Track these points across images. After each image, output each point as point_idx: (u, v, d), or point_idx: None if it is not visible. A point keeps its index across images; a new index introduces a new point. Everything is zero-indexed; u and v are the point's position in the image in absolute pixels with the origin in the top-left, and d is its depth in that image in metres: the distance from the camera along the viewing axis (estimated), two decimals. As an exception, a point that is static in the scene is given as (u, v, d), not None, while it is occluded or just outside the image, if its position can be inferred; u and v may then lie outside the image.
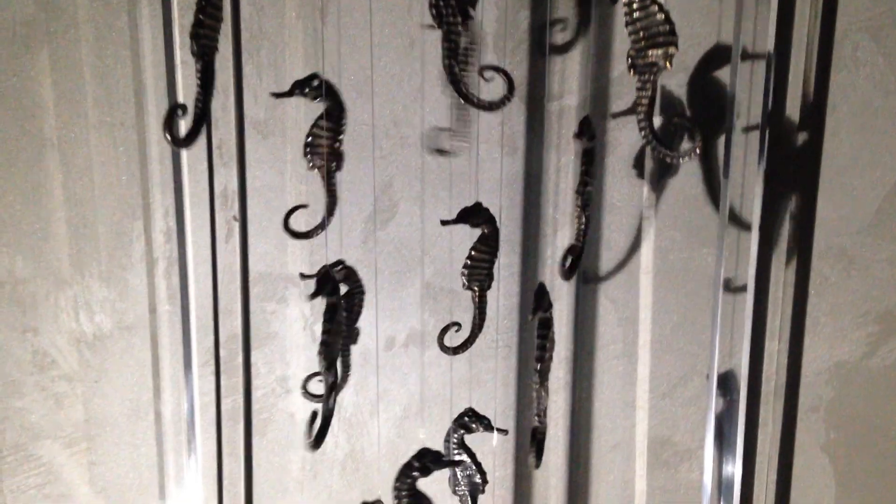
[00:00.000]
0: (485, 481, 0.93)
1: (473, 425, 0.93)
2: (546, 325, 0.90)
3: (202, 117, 0.76)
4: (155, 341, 1.16)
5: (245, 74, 1.09)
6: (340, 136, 0.88)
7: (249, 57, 1.08)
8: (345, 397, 1.17)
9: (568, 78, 1.06)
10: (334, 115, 0.88)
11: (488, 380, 1.14)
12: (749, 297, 1.06)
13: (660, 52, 0.79)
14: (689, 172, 1.08)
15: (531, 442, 0.94)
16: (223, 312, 1.15)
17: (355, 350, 1.15)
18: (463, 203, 0.90)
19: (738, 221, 1.06)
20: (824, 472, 1.12)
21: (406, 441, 1.18)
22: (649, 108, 0.81)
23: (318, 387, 0.94)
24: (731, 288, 1.07)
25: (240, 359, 1.17)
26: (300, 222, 1.03)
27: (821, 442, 1.12)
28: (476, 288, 0.89)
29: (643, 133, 0.82)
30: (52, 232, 1.12)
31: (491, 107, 0.83)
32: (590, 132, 0.88)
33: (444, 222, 0.84)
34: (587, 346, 1.13)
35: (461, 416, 0.93)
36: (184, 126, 0.82)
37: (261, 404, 1.18)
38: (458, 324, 0.91)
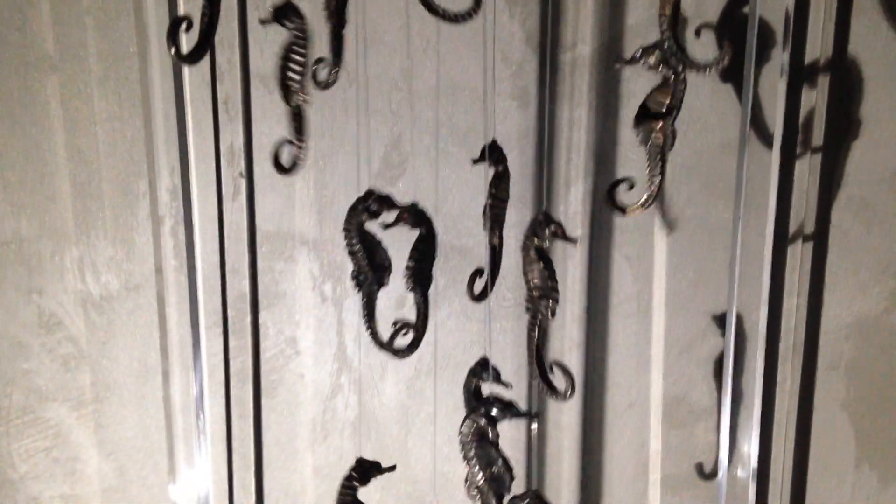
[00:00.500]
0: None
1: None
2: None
3: (209, 32, 0.72)
4: (162, 301, 1.14)
5: (251, 27, 1.07)
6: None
7: (255, 8, 1.05)
8: (354, 358, 1.15)
9: (581, 26, 1.03)
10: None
11: (500, 339, 1.13)
12: (767, 251, 1.03)
13: None
14: (704, 124, 1.05)
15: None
16: (230, 272, 1.13)
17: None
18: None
19: (755, 174, 1.03)
20: (844, 430, 1.10)
21: (417, 402, 1.16)
22: (674, 14, 0.77)
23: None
24: (749, 242, 1.05)
25: (248, 319, 1.15)
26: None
27: (840, 400, 1.10)
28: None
29: (666, 43, 0.79)
30: (57, 190, 1.10)
31: (457, 18, 0.78)
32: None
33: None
34: (601, 305, 1.11)
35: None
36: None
37: (270, 365, 1.16)
38: (481, 270, 0.89)
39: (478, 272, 0.90)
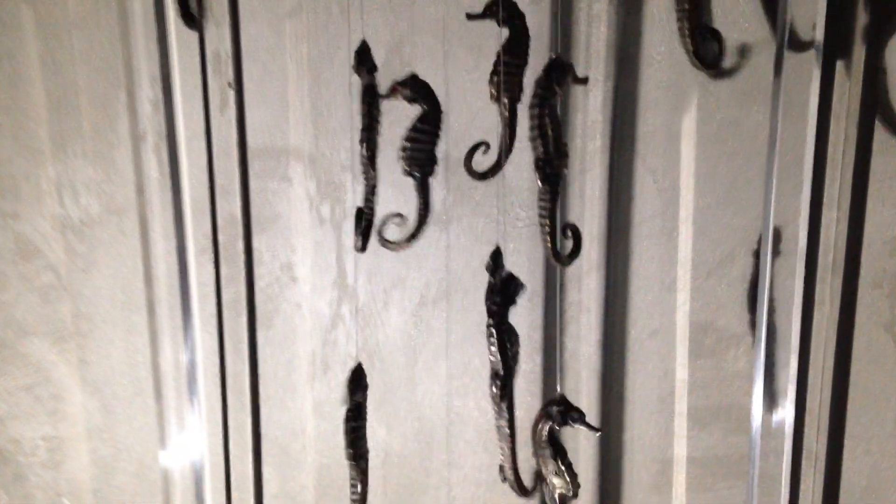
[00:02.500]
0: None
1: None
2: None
3: None
4: (145, 226, 1.05)
5: (236, -81, 0.97)
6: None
7: None
8: (357, 285, 1.07)
9: None
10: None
11: (513, 261, 1.04)
12: (808, 158, 0.94)
13: None
14: (735, 18, 0.95)
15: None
16: (220, 193, 1.05)
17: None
18: (487, 64, 0.78)
19: (792, 75, 0.94)
20: (887, 353, 1.02)
21: (424, 332, 1.08)
22: None
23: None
24: (785, 151, 0.96)
25: (240, 245, 1.06)
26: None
27: (884, 320, 1.01)
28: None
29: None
30: (31, 104, 1.01)
31: None
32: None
33: (469, 16, 0.74)
34: (622, 223, 1.02)
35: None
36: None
37: (264, 294, 1.08)
38: (486, 143, 0.80)
39: (480, 144, 0.80)
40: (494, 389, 0.80)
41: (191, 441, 1.09)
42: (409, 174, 0.79)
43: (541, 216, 0.79)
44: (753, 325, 1.02)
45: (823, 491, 1.07)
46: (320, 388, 1.10)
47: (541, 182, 0.77)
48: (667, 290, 1.04)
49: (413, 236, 0.81)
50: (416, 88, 0.77)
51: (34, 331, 1.08)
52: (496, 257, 0.77)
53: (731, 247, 1.02)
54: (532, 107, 0.75)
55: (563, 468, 0.79)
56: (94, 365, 1.09)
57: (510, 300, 0.79)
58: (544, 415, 0.80)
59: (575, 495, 0.79)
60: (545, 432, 0.80)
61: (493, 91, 0.75)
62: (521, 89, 0.76)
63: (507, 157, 0.79)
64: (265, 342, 1.09)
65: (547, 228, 0.79)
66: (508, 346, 0.79)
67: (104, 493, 1.13)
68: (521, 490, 0.85)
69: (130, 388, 1.10)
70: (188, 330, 1.06)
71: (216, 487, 1.11)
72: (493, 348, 0.78)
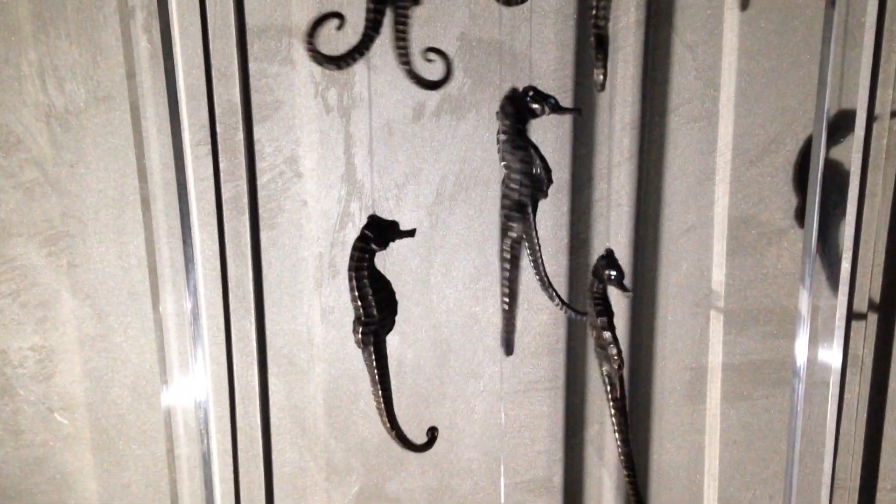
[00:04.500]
0: (550, 181, 0.73)
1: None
2: None
3: None
4: (137, 114, 0.97)
5: None
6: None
7: None
8: (366, 181, 0.99)
9: None
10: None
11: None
12: (870, 22, 0.85)
13: None
14: None
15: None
16: (217, 77, 0.96)
17: (376, 124, 0.96)
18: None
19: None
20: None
21: (440, 231, 1.00)
22: None
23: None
24: (841, 21, 0.87)
25: (240, 135, 0.98)
26: None
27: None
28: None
29: None
30: (6, -23, 0.92)
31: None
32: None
33: None
34: (657, 107, 0.94)
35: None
36: None
37: (267, 191, 1.00)
38: None
39: None
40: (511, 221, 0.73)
41: (191, 352, 1.01)
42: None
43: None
44: (801, 214, 0.94)
45: (869, 400, 1.00)
46: (328, 293, 1.03)
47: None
48: (704, 181, 0.96)
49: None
50: None
51: (18, 231, 1.00)
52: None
53: (776, 132, 0.93)
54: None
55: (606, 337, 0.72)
56: (85, 268, 1.01)
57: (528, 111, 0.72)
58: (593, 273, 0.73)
59: (619, 367, 0.72)
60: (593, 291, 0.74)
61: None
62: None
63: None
64: (269, 244, 1.01)
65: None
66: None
67: (99, 407, 1.06)
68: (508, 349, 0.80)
69: (125, 293, 1.02)
70: (186, 229, 0.98)
71: (219, 400, 1.04)
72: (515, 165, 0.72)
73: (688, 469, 1.04)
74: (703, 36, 0.91)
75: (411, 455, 1.07)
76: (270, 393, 1.05)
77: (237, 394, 1.04)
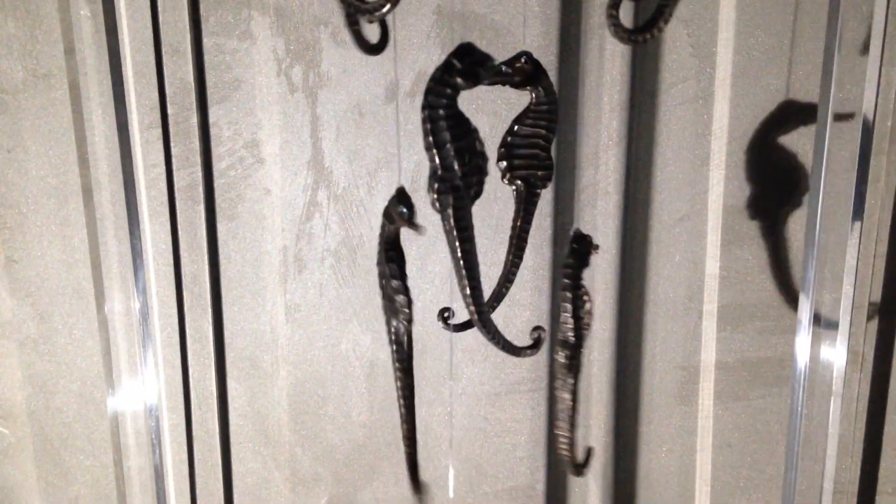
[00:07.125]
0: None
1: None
2: None
3: None
4: (78, 94, 0.88)
5: None
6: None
7: None
8: (334, 167, 0.91)
9: None
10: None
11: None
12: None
13: None
14: None
15: None
16: (168, 53, 0.87)
17: (346, 102, 0.88)
18: None
19: None
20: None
21: (420, 216, 0.92)
22: None
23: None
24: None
25: (195, 118, 0.89)
26: None
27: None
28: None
29: None
30: (-72, -61, 0.83)
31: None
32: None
33: None
34: (648, 86, 0.87)
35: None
36: None
37: (226, 178, 0.91)
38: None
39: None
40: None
41: (140, 354, 0.93)
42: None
43: None
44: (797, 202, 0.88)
45: (870, 400, 0.94)
46: (294, 289, 0.95)
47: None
48: (699, 166, 0.89)
49: None
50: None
51: (-51, 224, 0.91)
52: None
53: (776, 113, 0.87)
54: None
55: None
56: (24, 264, 0.92)
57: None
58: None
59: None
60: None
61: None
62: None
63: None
64: (228, 236, 0.93)
65: None
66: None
67: (42, 415, 0.97)
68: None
69: (69, 291, 0.93)
70: (134, 221, 0.89)
71: (174, 406, 0.96)
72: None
73: (679, 474, 0.98)
74: (699, 9, 0.85)
75: (384, 463, 0.99)
76: (231, 398, 0.97)
77: (193, 399, 0.96)
